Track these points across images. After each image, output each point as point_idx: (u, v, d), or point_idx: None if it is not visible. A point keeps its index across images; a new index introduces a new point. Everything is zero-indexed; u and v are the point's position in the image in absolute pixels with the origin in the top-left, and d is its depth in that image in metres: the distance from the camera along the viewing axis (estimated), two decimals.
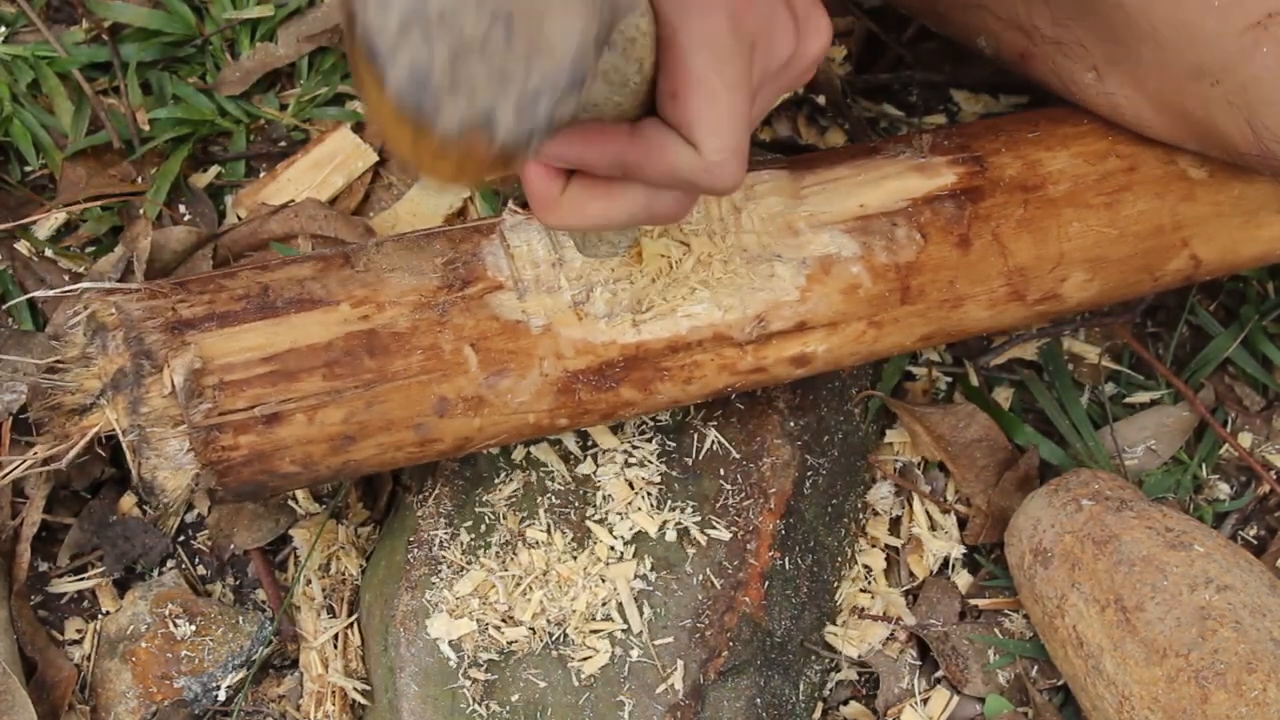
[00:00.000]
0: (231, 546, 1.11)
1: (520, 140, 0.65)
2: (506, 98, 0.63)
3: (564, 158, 0.77)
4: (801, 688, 1.08)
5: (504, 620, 1.01)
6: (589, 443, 1.07)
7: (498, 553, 1.03)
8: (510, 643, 1.01)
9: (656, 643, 1.01)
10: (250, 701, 1.09)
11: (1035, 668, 1.12)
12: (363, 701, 1.06)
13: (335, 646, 1.08)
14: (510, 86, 0.63)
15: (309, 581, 1.10)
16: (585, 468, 1.06)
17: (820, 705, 1.10)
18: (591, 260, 0.95)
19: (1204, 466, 1.21)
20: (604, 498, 1.04)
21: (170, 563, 1.12)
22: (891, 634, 1.12)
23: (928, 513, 1.16)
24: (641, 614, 1.02)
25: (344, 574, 1.11)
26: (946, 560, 1.15)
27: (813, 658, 1.09)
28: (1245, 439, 1.22)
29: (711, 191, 0.77)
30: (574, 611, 1.01)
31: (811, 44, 0.81)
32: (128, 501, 1.12)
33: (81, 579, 1.11)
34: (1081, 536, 1.04)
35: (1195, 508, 1.19)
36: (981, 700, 1.11)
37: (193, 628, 1.08)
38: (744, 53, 0.75)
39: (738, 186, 0.77)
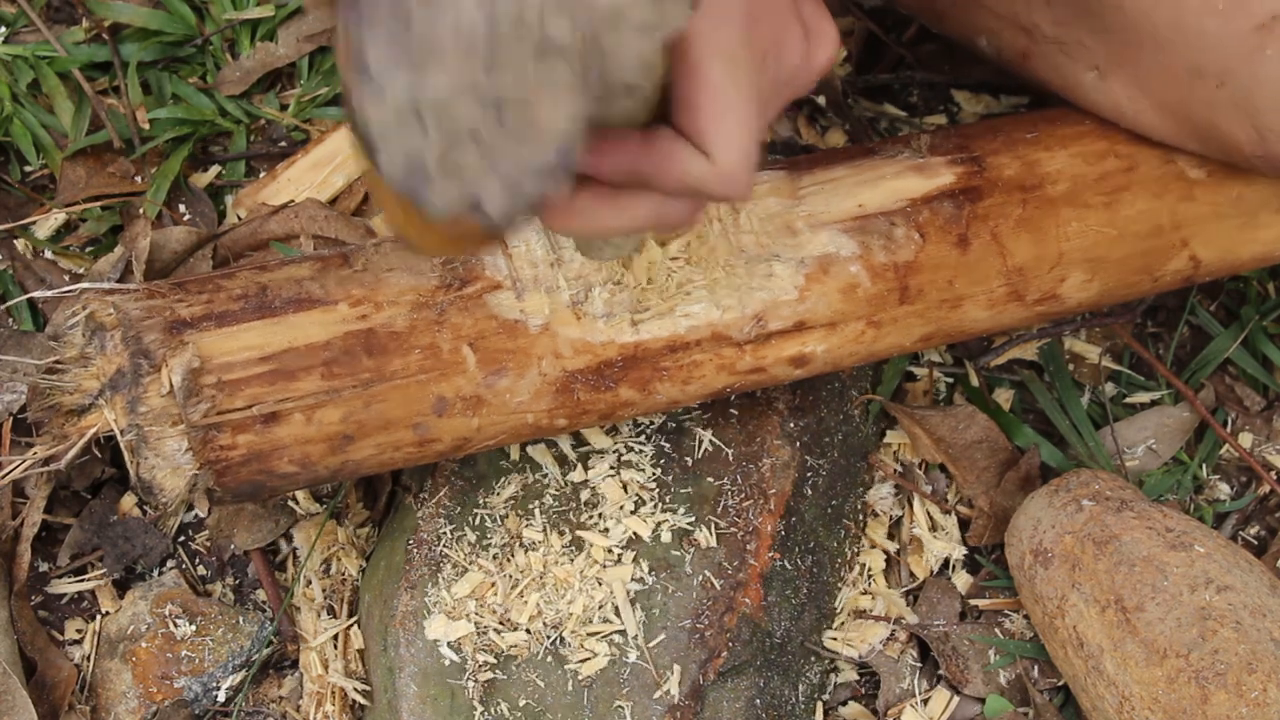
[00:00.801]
0: (231, 547, 1.11)
1: (508, 218, 0.66)
2: (495, 181, 0.64)
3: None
4: (801, 688, 1.08)
5: (502, 623, 1.01)
6: (586, 445, 1.07)
7: (496, 554, 1.03)
8: (510, 645, 1.01)
9: (655, 644, 1.01)
10: (250, 702, 1.09)
11: (1035, 668, 1.12)
12: (362, 702, 1.06)
13: (335, 647, 1.08)
14: (499, 169, 0.64)
15: (309, 582, 1.10)
16: (581, 471, 1.06)
17: (820, 706, 1.10)
18: (590, 260, 0.96)
19: (1204, 467, 1.21)
20: (599, 500, 1.04)
21: (170, 563, 1.13)
22: (892, 634, 1.12)
23: (928, 513, 1.16)
24: (638, 616, 1.02)
25: (344, 574, 1.11)
26: (947, 561, 1.15)
27: (812, 658, 1.09)
28: (1245, 439, 1.22)
29: (723, 200, 0.78)
30: (570, 615, 1.01)
31: (819, 54, 0.81)
32: (128, 501, 1.13)
33: (81, 579, 1.11)
34: (1082, 537, 1.04)
35: (1195, 508, 1.19)
36: (982, 701, 1.11)
37: (193, 628, 1.08)
38: (756, 63, 0.75)
39: (749, 197, 0.77)
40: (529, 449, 1.06)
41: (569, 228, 0.81)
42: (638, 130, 0.76)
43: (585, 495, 1.05)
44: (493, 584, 1.02)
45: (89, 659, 1.09)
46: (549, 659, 1.01)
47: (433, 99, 0.61)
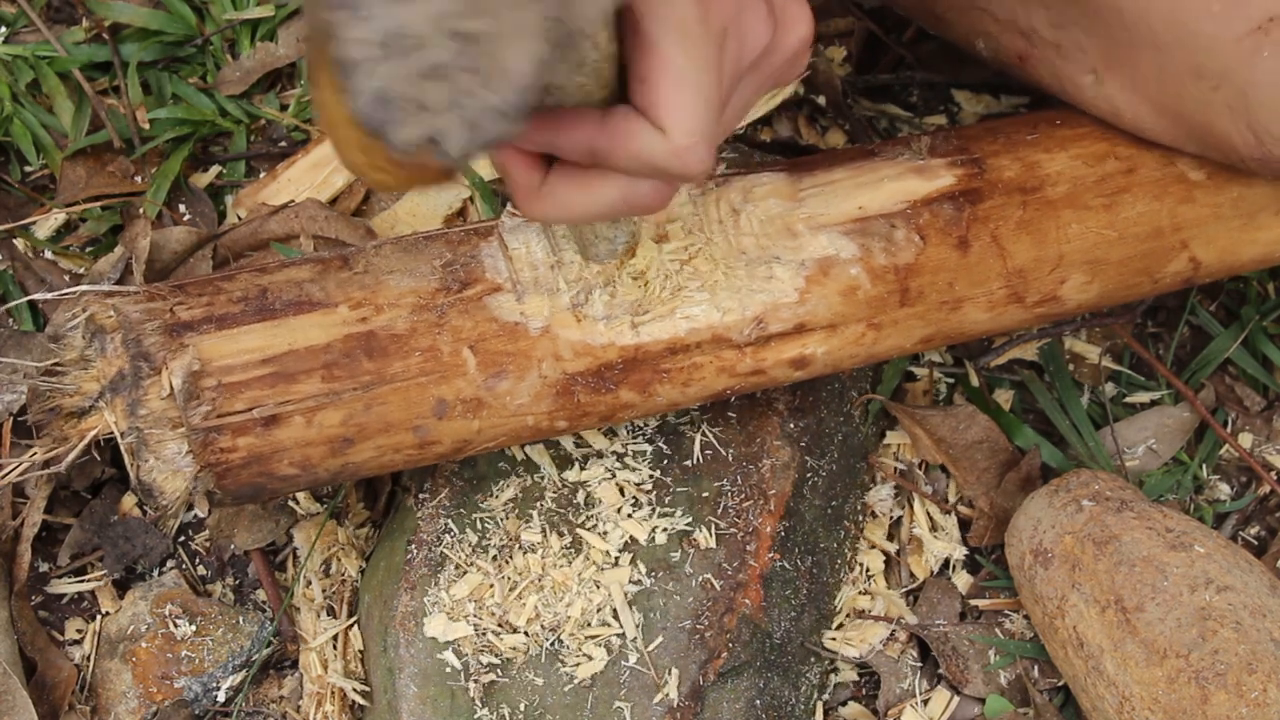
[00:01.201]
0: (232, 547, 1.11)
1: (464, 157, 0.67)
2: (457, 118, 0.65)
3: (535, 142, 0.78)
4: (801, 689, 1.08)
5: (500, 625, 1.01)
6: (586, 445, 1.06)
7: (495, 556, 1.03)
8: (509, 647, 1.01)
9: (655, 645, 1.01)
10: (250, 702, 1.09)
11: (1036, 668, 1.12)
12: (362, 702, 1.06)
13: (335, 647, 1.08)
14: (463, 107, 0.65)
15: (309, 583, 1.10)
16: (580, 473, 1.06)
17: (820, 706, 1.10)
18: (590, 263, 0.96)
19: (1204, 467, 1.21)
20: (596, 503, 1.04)
21: (170, 563, 1.13)
22: (892, 634, 1.12)
23: (928, 513, 1.16)
24: (637, 619, 1.02)
25: (344, 575, 1.11)
26: (947, 561, 1.15)
27: (812, 659, 1.09)
28: (1246, 439, 1.22)
29: (681, 177, 0.77)
30: (569, 617, 1.01)
31: (789, 35, 0.81)
32: (128, 502, 1.13)
33: (82, 580, 1.11)
34: (1082, 537, 1.04)
35: (1195, 508, 1.19)
36: (982, 701, 1.11)
37: (193, 628, 1.08)
38: (713, 38, 0.75)
39: (706, 173, 0.77)
40: (529, 450, 1.06)
41: (541, 211, 0.81)
42: (596, 109, 0.76)
43: (583, 497, 1.05)
44: (491, 586, 1.02)
45: (89, 659, 1.09)
46: (548, 660, 1.01)
47: (412, 31, 0.62)
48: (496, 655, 1.01)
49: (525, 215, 0.83)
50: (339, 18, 0.62)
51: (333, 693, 1.07)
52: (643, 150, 0.76)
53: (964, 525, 1.16)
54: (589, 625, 1.01)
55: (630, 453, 1.06)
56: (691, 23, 0.74)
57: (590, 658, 1.01)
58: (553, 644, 1.01)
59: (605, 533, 1.03)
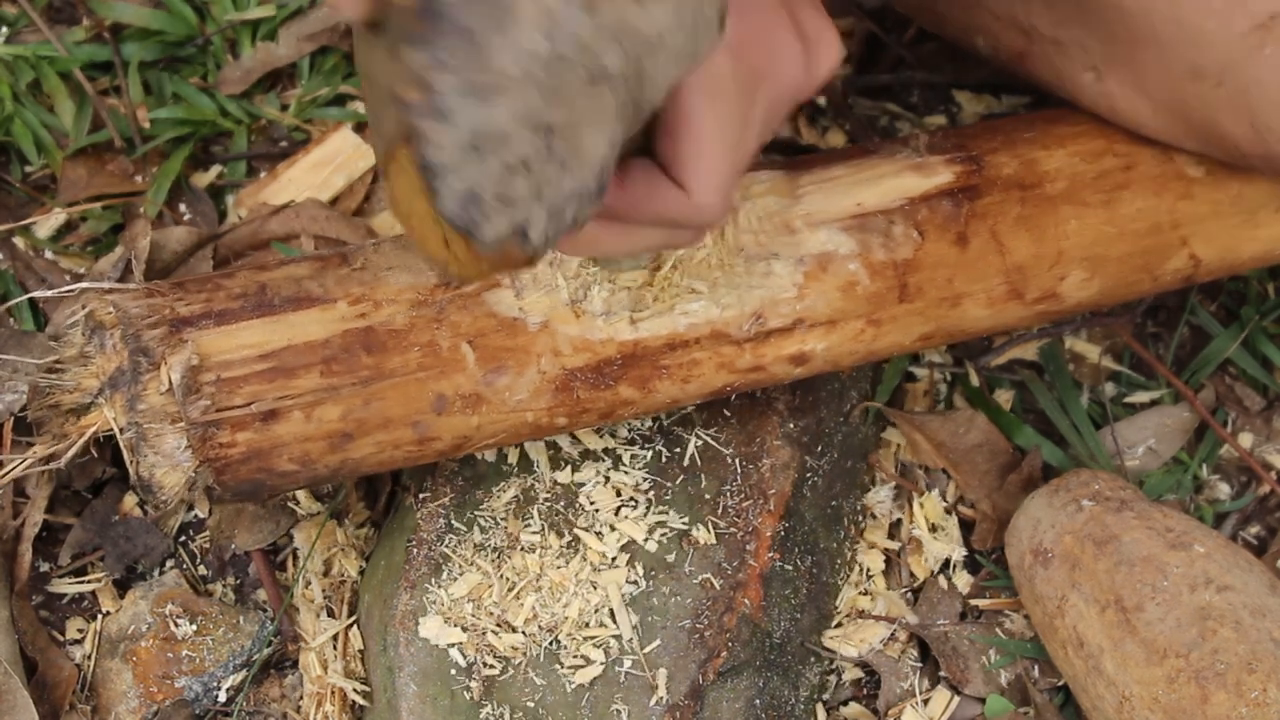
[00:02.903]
0: (232, 547, 1.12)
1: (548, 244, 0.67)
2: (541, 209, 0.65)
3: None
4: (801, 689, 1.08)
5: (499, 625, 1.01)
6: (584, 446, 1.06)
7: (494, 556, 1.03)
8: (508, 646, 1.01)
9: (654, 645, 1.01)
10: (251, 702, 1.09)
11: (1036, 668, 1.12)
12: (362, 703, 1.06)
13: (335, 647, 1.08)
14: (545, 196, 0.65)
15: (308, 583, 1.10)
16: (579, 474, 1.06)
17: (820, 706, 1.10)
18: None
19: (1204, 467, 1.21)
20: (594, 503, 1.04)
21: (171, 562, 1.13)
22: (892, 634, 1.12)
23: (926, 516, 1.16)
24: (634, 619, 1.02)
25: (343, 575, 1.11)
26: (947, 561, 1.15)
27: (812, 659, 1.09)
28: (1246, 439, 1.22)
29: (700, 229, 0.79)
30: (566, 618, 1.01)
31: (821, 63, 0.82)
32: (129, 501, 1.13)
33: (82, 580, 1.11)
34: (1081, 537, 1.04)
35: (1195, 508, 1.19)
36: (982, 700, 1.11)
37: (193, 628, 1.08)
38: (744, 91, 0.76)
39: (721, 223, 0.78)
40: (529, 448, 1.06)
41: (575, 252, 0.83)
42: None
43: (582, 497, 1.05)
44: (490, 586, 1.02)
45: (90, 659, 1.09)
46: (547, 661, 1.01)
47: (497, 130, 0.61)
48: (496, 655, 1.01)
49: (560, 251, 0.83)
50: (423, 123, 0.61)
51: (333, 693, 1.07)
52: (665, 211, 0.77)
53: (965, 526, 1.16)
54: (587, 626, 1.01)
55: (630, 453, 1.06)
56: (723, 81, 0.74)
57: (587, 661, 1.01)
58: (551, 644, 1.01)
59: (601, 533, 1.03)
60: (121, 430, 0.91)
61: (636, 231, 0.79)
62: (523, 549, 1.03)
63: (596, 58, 0.62)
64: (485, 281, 0.95)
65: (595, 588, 1.02)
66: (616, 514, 1.04)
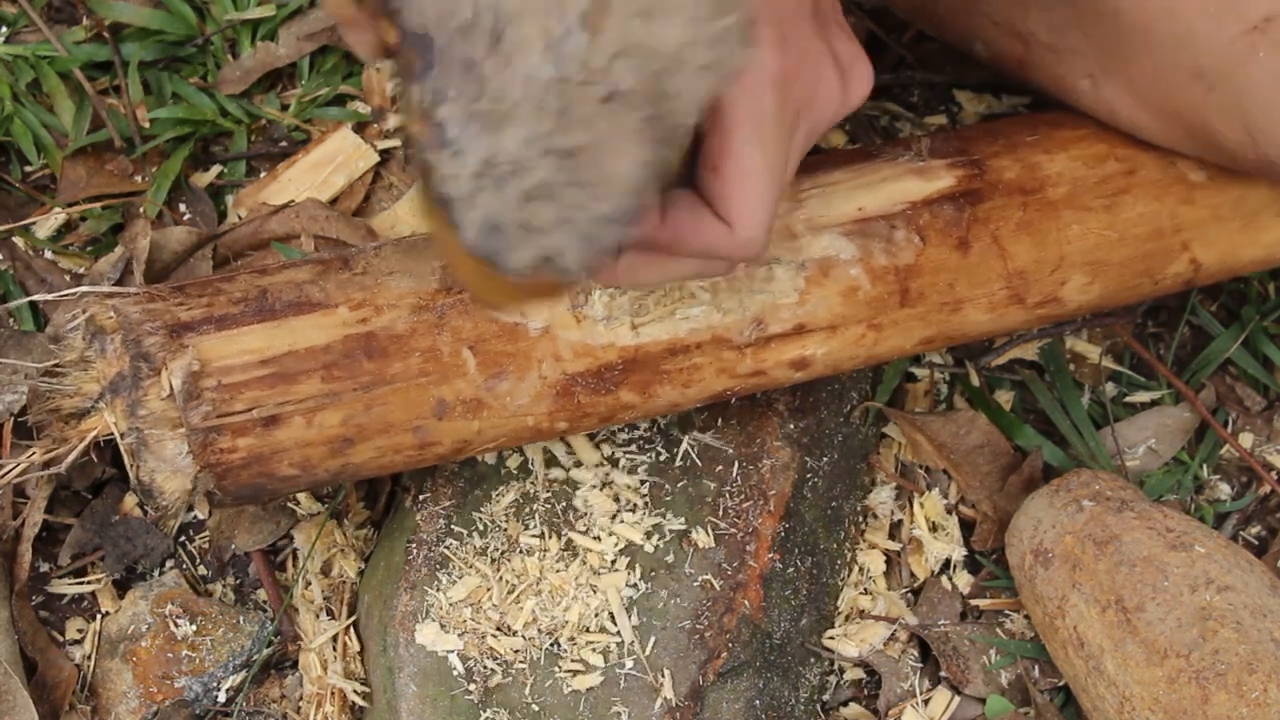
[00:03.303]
0: (232, 547, 1.12)
1: (583, 269, 0.66)
2: (571, 234, 0.65)
3: None
4: (801, 689, 1.08)
5: (499, 628, 1.01)
6: (583, 448, 1.06)
7: (494, 558, 1.03)
8: (510, 649, 1.01)
9: (654, 646, 1.01)
10: (251, 702, 1.09)
11: (1036, 668, 1.12)
12: (361, 703, 1.06)
13: (334, 648, 1.08)
14: (575, 222, 0.64)
15: (308, 584, 1.10)
16: (578, 475, 1.06)
17: (820, 707, 1.10)
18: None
19: (1205, 467, 1.21)
20: (593, 506, 1.04)
21: (171, 563, 1.13)
22: (893, 635, 1.12)
23: (927, 516, 1.16)
24: (634, 621, 1.02)
25: (343, 575, 1.11)
26: (948, 561, 1.15)
27: (812, 659, 1.09)
28: (1246, 439, 1.22)
29: (741, 261, 0.80)
30: (566, 621, 1.01)
31: (854, 93, 0.83)
32: (129, 502, 1.13)
33: (82, 580, 1.11)
34: (1082, 537, 1.04)
35: (1196, 508, 1.19)
36: (983, 701, 1.11)
37: (193, 628, 1.08)
38: (788, 126, 0.76)
39: (760, 257, 0.78)
40: (528, 452, 1.06)
41: (615, 283, 0.83)
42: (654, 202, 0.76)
43: (581, 500, 1.05)
44: (489, 589, 1.02)
45: (89, 659, 1.09)
46: (547, 663, 1.01)
47: (507, 158, 0.61)
48: (496, 658, 1.01)
49: (597, 283, 0.83)
50: (433, 156, 0.62)
51: (332, 693, 1.07)
52: (708, 244, 0.77)
53: (966, 526, 1.16)
54: (587, 630, 1.01)
55: (629, 455, 1.06)
56: (770, 117, 0.74)
57: (587, 665, 1.01)
58: (551, 647, 1.01)
59: (599, 536, 1.03)
60: (122, 436, 0.91)
61: (675, 262, 0.79)
62: (522, 552, 1.03)
63: (606, 77, 0.62)
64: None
65: (595, 591, 1.02)
66: (615, 517, 1.04)
